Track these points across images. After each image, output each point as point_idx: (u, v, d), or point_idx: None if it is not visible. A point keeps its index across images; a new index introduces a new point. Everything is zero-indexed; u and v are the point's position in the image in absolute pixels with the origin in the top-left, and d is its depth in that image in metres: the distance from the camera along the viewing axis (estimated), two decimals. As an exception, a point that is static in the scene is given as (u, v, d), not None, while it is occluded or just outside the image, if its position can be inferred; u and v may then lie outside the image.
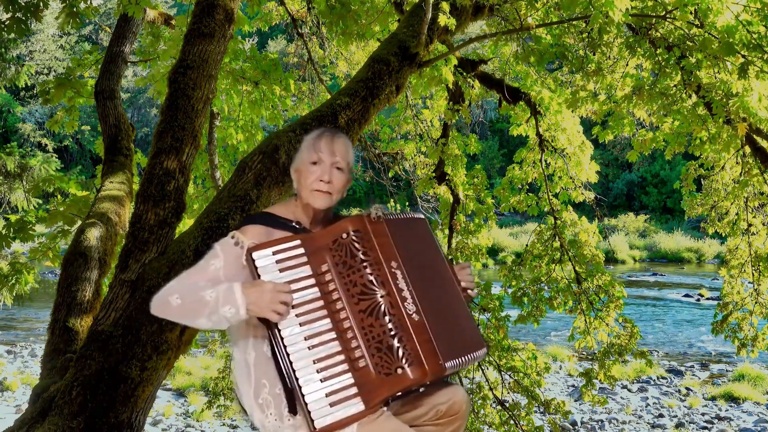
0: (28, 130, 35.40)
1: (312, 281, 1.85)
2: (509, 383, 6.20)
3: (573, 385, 11.45)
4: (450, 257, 6.41)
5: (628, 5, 3.91)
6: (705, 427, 9.74)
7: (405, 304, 1.83)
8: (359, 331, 1.81)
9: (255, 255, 1.82)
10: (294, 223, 1.97)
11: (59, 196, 6.11)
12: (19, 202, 8.86)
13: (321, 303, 1.84)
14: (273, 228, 1.95)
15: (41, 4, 4.27)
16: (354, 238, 1.86)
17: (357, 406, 1.78)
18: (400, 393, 1.81)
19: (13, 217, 5.58)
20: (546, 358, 11.50)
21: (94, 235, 4.05)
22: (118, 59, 5.19)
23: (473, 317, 2.07)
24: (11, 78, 8.90)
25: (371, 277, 1.83)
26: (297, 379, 1.77)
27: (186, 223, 5.54)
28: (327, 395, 1.77)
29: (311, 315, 1.82)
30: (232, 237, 1.91)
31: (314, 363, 1.78)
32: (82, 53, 6.34)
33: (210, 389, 8.22)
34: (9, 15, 4.23)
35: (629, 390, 11.46)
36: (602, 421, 9.93)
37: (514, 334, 10.57)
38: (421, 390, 1.88)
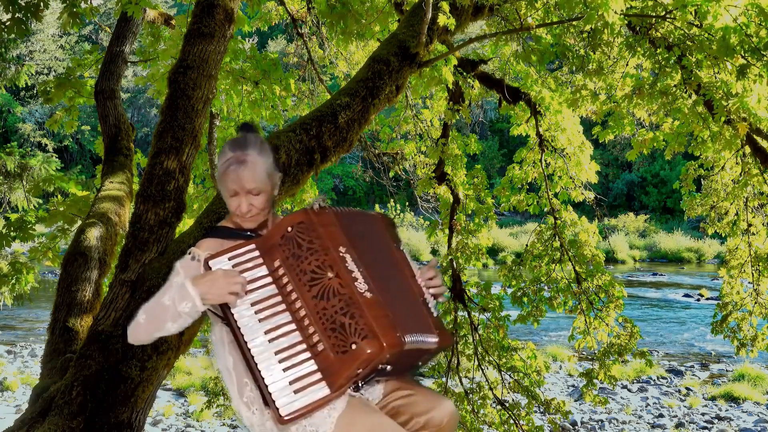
0: (28, 130, 35.37)
1: (269, 279, 1.90)
2: (509, 383, 6.20)
3: (573, 385, 11.45)
4: (450, 257, 6.42)
5: (622, 6, 3.91)
6: (705, 427, 9.74)
7: (356, 283, 1.85)
8: (314, 317, 1.84)
9: (211, 263, 1.88)
10: (248, 232, 2.02)
11: (59, 196, 6.12)
12: (19, 202, 8.87)
13: (279, 298, 1.88)
14: (226, 239, 2.00)
15: (41, 4, 4.27)
16: (298, 230, 1.92)
17: (323, 390, 1.80)
18: (361, 370, 1.80)
19: (13, 217, 5.59)
20: (546, 358, 11.50)
21: (94, 235, 4.06)
22: (118, 59, 5.20)
23: (432, 312, 2.05)
24: (11, 78, 8.90)
25: (318, 263, 1.88)
26: (259, 371, 1.80)
27: (186, 223, 5.53)
28: (290, 383, 1.80)
29: (270, 310, 1.87)
30: (189, 253, 1.96)
31: (275, 354, 1.82)
32: (82, 53, 6.34)
33: (210, 389, 8.22)
34: (9, 15, 4.23)
35: (629, 390, 11.46)
36: (602, 421, 9.93)
37: (514, 334, 10.57)
38: (388, 368, 1.87)
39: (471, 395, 6.25)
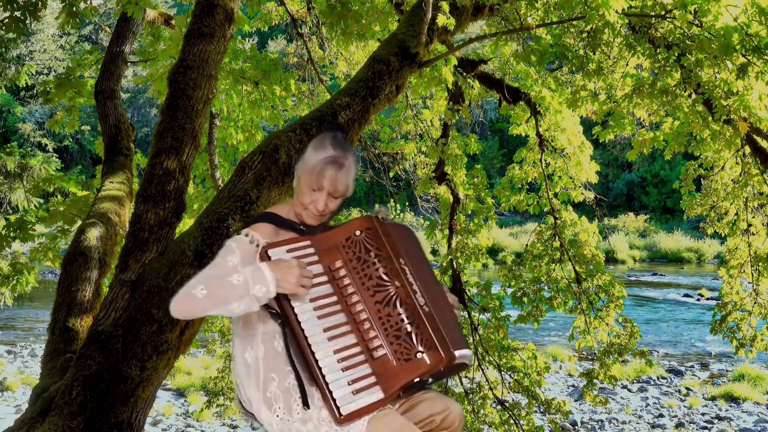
0: (28, 130, 35.40)
1: (325, 278, 1.91)
2: (509, 383, 6.20)
3: (573, 385, 11.45)
4: (450, 257, 6.42)
5: (623, 6, 3.91)
6: (705, 427, 9.74)
7: (416, 296, 1.89)
8: (376, 321, 1.87)
9: (271, 252, 1.87)
10: (300, 226, 2.01)
11: (59, 196, 6.12)
12: (19, 201, 8.88)
13: (335, 298, 1.90)
14: (280, 228, 1.99)
15: (40, 3, 4.26)
16: (367, 235, 1.95)
17: (377, 394, 1.82)
18: (417, 380, 1.84)
19: (13, 217, 5.59)
20: (546, 358, 11.50)
21: (94, 235, 4.05)
22: (118, 59, 5.20)
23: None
24: (11, 78, 8.91)
25: (385, 270, 1.91)
26: (320, 368, 1.80)
27: (186, 223, 5.54)
28: (349, 383, 1.81)
29: (327, 309, 1.88)
30: (246, 235, 1.95)
31: (334, 353, 1.83)
32: (82, 53, 6.34)
33: (210, 389, 8.22)
34: (8, 14, 4.23)
35: (629, 390, 11.46)
36: (602, 421, 9.93)
37: (514, 334, 10.56)
38: (429, 381, 1.91)
39: (471, 395, 6.25)
